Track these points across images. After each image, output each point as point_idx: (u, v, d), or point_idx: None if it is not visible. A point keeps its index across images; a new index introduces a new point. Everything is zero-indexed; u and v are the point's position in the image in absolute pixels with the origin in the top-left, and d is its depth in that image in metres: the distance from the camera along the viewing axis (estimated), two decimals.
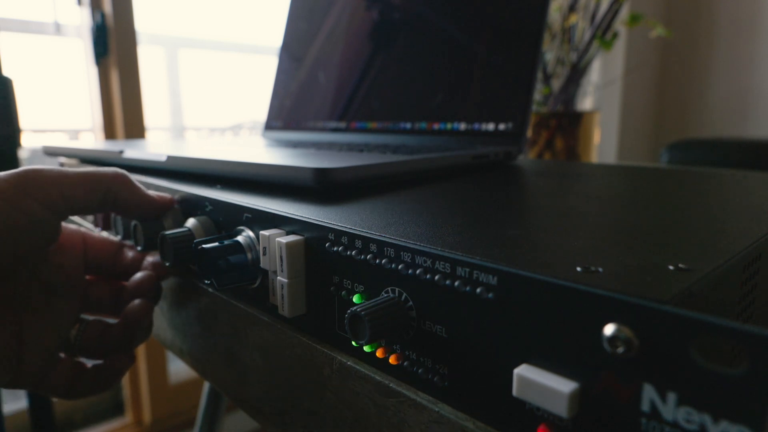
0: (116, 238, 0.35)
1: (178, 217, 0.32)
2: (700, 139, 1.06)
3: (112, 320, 0.33)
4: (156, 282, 0.33)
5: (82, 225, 0.50)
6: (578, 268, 0.16)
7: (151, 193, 0.32)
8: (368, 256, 0.21)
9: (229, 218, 0.28)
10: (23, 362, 0.29)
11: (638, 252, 0.18)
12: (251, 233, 0.26)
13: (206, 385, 0.75)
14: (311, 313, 0.25)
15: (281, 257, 0.23)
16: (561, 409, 0.15)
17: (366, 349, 0.21)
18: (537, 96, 0.82)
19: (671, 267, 0.16)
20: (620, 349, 0.13)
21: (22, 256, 0.28)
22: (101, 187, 0.29)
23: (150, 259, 0.34)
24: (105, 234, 0.35)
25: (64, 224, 0.33)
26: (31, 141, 1.12)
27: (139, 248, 0.32)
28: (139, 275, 0.33)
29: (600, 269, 0.15)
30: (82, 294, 0.32)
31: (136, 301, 0.32)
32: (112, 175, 0.30)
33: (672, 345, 0.13)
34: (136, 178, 0.38)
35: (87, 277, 0.34)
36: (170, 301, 0.36)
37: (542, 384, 0.15)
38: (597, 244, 0.19)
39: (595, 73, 1.46)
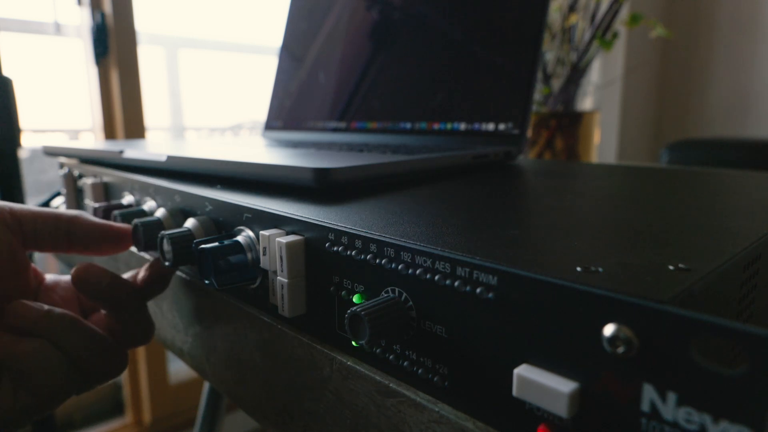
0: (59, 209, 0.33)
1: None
2: (700, 139, 1.06)
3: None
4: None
5: None
6: (578, 268, 0.16)
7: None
8: (368, 256, 0.21)
9: (229, 218, 0.28)
10: None
11: (638, 252, 0.18)
12: (251, 233, 0.26)
13: (206, 385, 0.75)
14: (311, 313, 0.25)
15: (281, 257, 0.23)
16: (561, 409, 0.15)
17: None
18: (537, 96, 0.82)
19: (671, 267, 0.16)
20: (620, 349, 0.13)
21: None
22: None
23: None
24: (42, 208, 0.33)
25: None
26: (31, 141, 1.12)
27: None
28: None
29: (600, 269, 0.15)
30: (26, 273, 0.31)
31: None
32: None
33: (672, 345, 0.13)
34: (136, 178, 0.38)
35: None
36: (170, 301, 0.36)
37: (542, 384, 0.15)
38: (597, 244, 0.19)
39: (595, 73, 1.46)
